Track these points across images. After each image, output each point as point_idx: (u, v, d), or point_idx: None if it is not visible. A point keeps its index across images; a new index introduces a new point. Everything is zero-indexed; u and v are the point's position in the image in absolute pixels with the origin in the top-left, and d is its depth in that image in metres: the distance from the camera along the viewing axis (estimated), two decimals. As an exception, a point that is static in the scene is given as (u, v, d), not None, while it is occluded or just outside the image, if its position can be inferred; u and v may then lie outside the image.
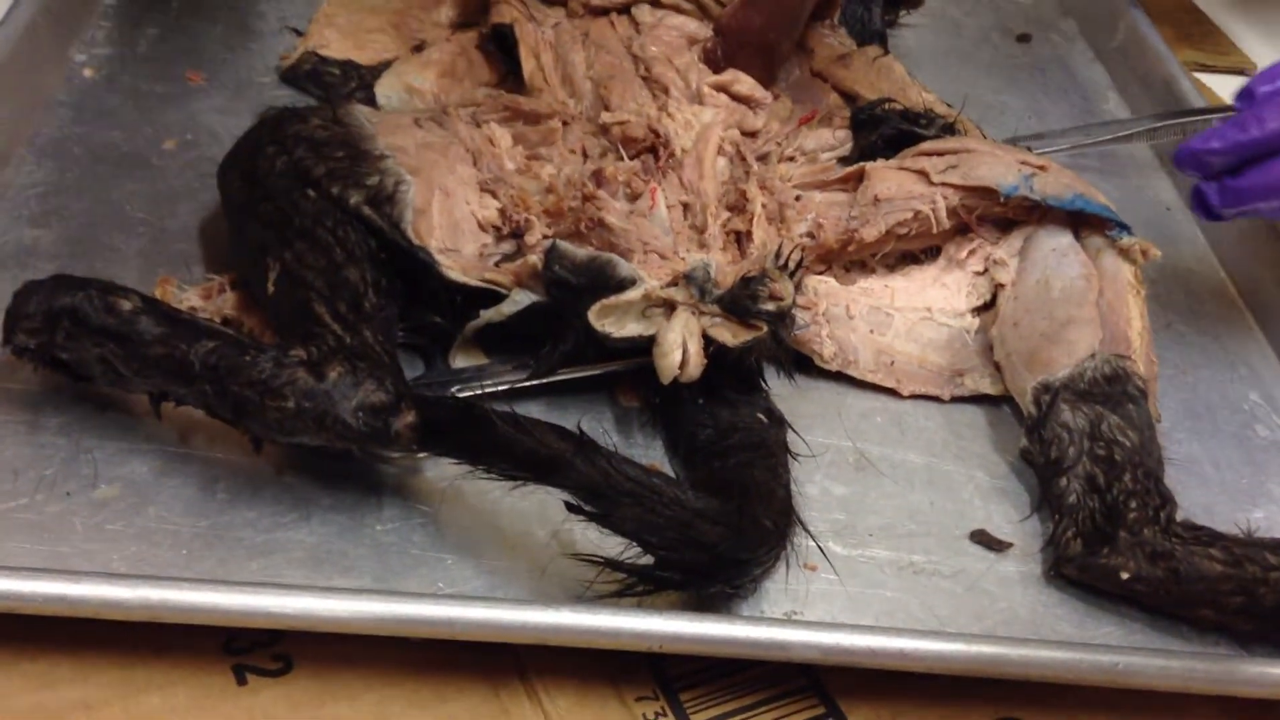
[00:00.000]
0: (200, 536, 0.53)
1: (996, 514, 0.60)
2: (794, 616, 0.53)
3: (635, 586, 0.50)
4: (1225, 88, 0.93)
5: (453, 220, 0.62)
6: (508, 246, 0.64)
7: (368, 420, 0.51)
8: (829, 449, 0.62)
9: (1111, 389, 0.61)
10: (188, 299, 0.62)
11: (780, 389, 0.63)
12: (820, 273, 0.69)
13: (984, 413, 0.66)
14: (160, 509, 0.54)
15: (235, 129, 0.75)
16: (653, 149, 0.69)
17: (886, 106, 0.74)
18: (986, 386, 0.66)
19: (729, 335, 0.58)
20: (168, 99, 0.77)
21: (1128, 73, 0.93)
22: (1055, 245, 0.67)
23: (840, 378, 0.66)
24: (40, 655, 0.49)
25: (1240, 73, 0.98)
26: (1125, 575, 0.55)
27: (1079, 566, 0.56)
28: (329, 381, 0.51)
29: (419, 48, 0.82)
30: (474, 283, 0.60)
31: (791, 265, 0.61)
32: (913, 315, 0.68)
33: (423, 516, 0.55)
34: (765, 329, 0.58)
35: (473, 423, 0.52)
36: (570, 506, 0.50)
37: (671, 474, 0.59)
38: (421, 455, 0.55)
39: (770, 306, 0.58)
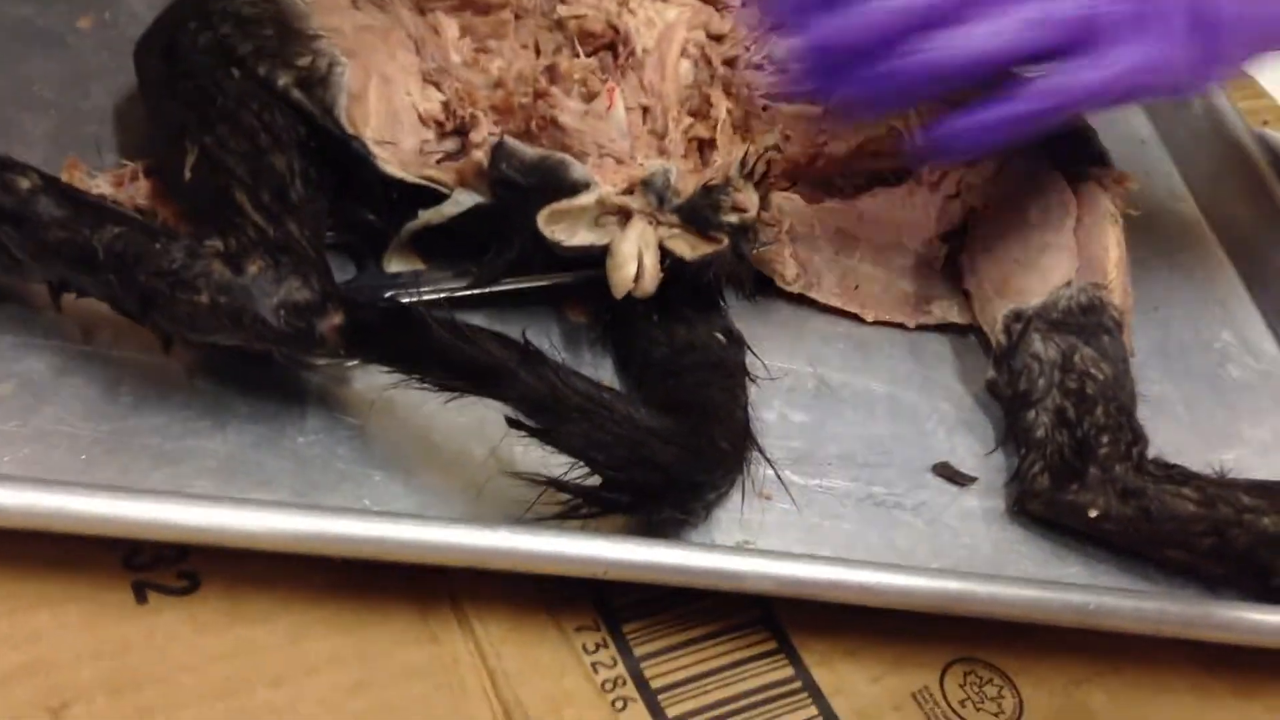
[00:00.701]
0: (101, 441, 0.48)
1: (960, 447, 0.57)
2: (747, 546, 0.49)
3: (579, 508, 0.46)
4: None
5: (391, 109, 0.57)
6: (451, 144, 0.59)
7: (290, 319, 0.46)
8: (788, 373, 0.58)
9: (1086, 319, 0.58)
10: (97, 185, 0.57)
11: (739, 309, 0.59)
12: (785, 189, 0.65)
13: (950, 342, 0.62)
14: (58, 409, 0.49)
15: (157, 7, 0.68)
16: (611, 47, 0.64)
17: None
18: (954, 315, 0.63)
19: (687, 248, 0.54)
20: (84, -26, 0.71)
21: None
22: (1029, 170, 0.64)
23: (802, 300, 0.62)
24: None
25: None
26: (1094, 512, 0.52)
27: (1045, 502, 0.53)
28: (248, 275, 0.46)
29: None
30: (412, 179, 0.56)
31: (757, 175, 0.57)
32: (880, 239, 0.64)
33: (349, 429, 0.51)
34: (726, 242, 0.54)
35: (406, 327, 0.47)
36: (511, 421, 0.46)
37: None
38: (349, 362, 0.51)
39: (733, 218, 0.54)
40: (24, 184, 0.48)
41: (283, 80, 0.54)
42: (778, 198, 0.64)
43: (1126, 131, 0.81)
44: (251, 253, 0.47)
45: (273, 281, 0.47)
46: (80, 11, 0.68)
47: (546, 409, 0.46)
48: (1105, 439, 0.54)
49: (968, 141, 0.53)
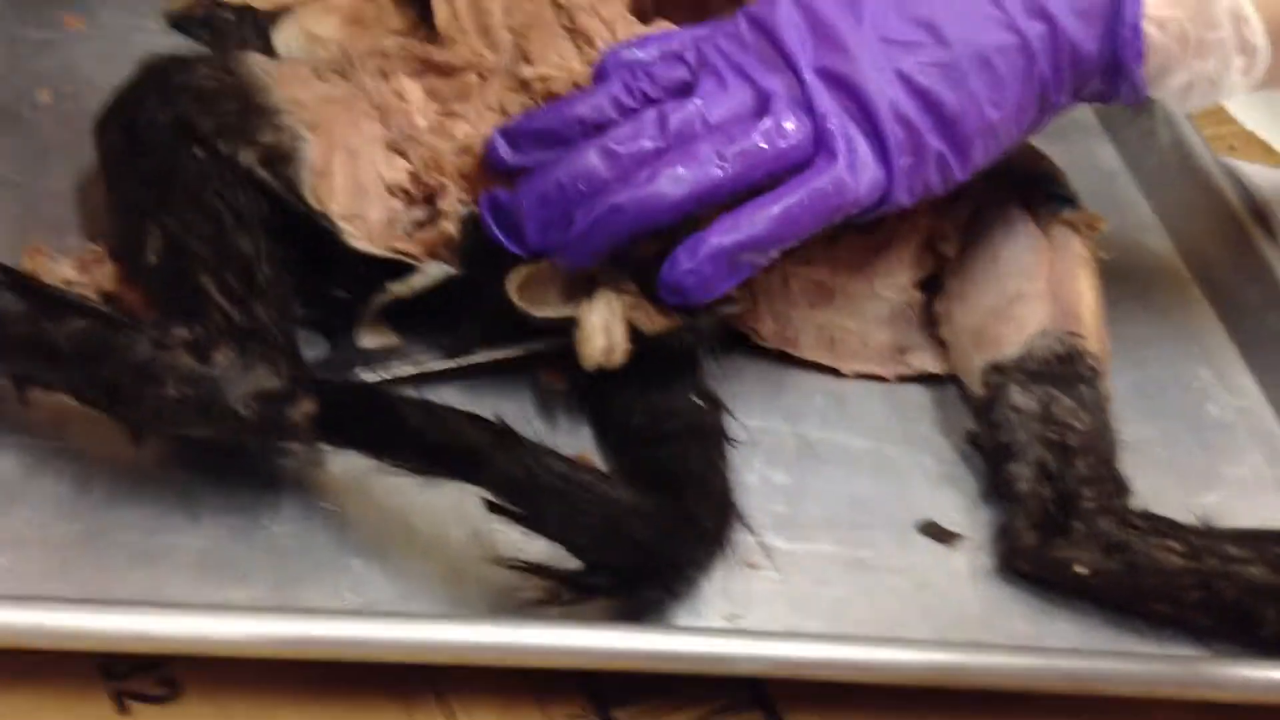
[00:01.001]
0: (75, 542, 0.47)
1: (945, 502, 0.57)
2: (734, 619, 0.49)
3: (562, 594, 0.45)
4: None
5: (357, 183, 0.56)
6: (419, 213, 0.58)
7: (259, 409, 0.45)
8: (768, 433, 0.58)
9: (1063, 369, 0.58)
10: (61, 271, 0.56)
11: (715, 366, 0.58)
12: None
13: (929, 393, 0.62)
14: (30, 510, 0.48)
15: (117, 80, 0.67)
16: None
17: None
18: (931, 365, 0.63)
19: (646, 322, 0.53)
20: (42, 46, 0.70)
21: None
22: (1002, 216, 0.64)
23: (778, 355, 0.62)
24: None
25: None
26: (1080, 568, 0.52)
27: (1032, 560, 0.53)
28: (215, 365, 0.46)
29: (322, -9, 0.76)
30: (381, 253, 0.55)
31: None
32: (854, 290, 0.64)
33: (326, 515, 0.50)
34: (683, 319, 0.53)
35: (378, 411, 0.47)
36: (490, 505, 0.46)
37: (601, 464, 0.54)
38: (323, 448, 0.50)
39: None
40: (-18, 279, 0.47)
41: (245, 158, 0.53)
42: (750, 252, 0.63)
43: (1094, 164, 0.81)
44: (218, 341, 0.46)
45: (241, 370, 0.46)
46: (38, 84, 0.67)
47: (523, 492, 0.45)
48: (1088, 492, 0.54)
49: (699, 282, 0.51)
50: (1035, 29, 0.53)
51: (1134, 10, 0.53)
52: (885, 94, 0.52)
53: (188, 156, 0.53)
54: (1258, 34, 0.54)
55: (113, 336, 0.46)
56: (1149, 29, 0.53)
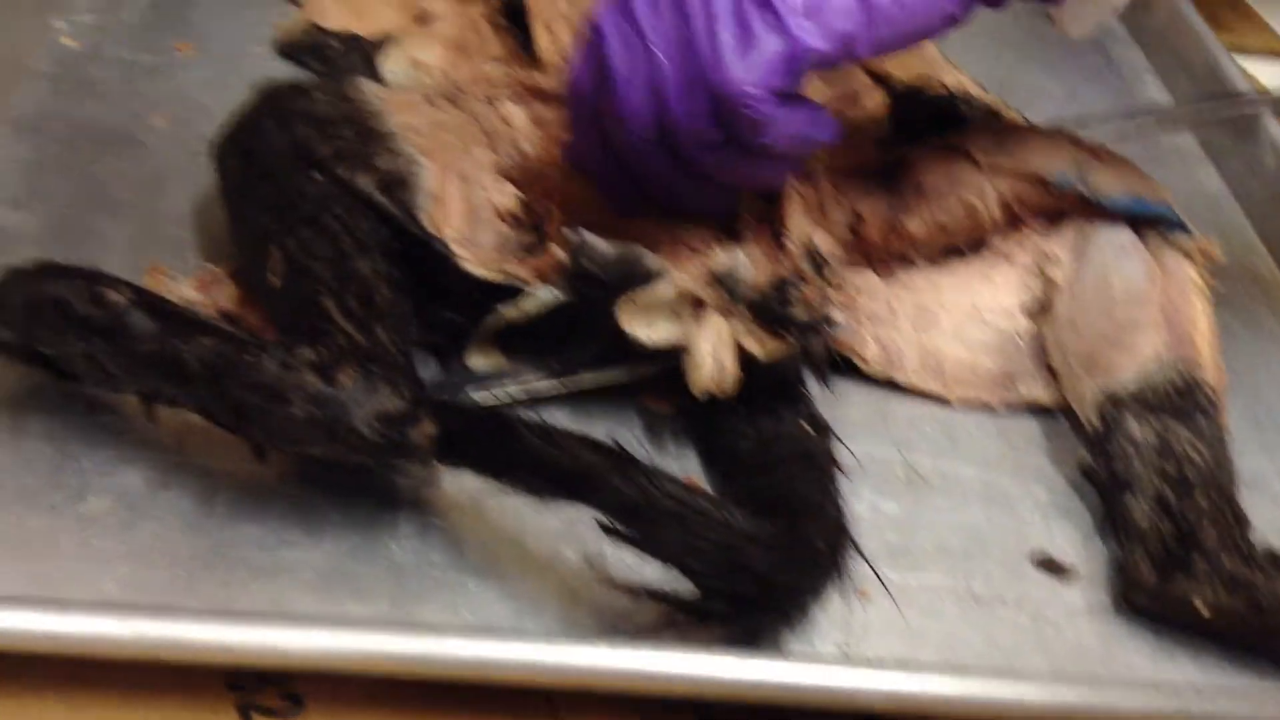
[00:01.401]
0: (199, 556, 0.48)
1: (1058, 534, 0.56)
2: (848, 649, 0.48)
3: (677, 619, 0.45)
4: (1264, 72, 0.89)
5: (470, 208, 0.57)
6: (527, 236, 0.59)
7: (383, 430, 0.46)
8: (876, 460, 0.57)
9: (1181, 400, 0.57)
10: (181, 290, 0.57)
11: (821, 392, 0.58)
12: (861, 266, 0.64)
13: (1038, 423, 0.61)
14: (155, 525, 0.49)
15: (229, 104, 0.69)
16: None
17: (927, 88, 0.70)
18: (1040, 394, 0.62)
19: (759, 346, 0.53)
20: (155, 71, 0.72)
21: (1167, 55, 0.89)
22: (1113, 240, 0.63)
23: (884, 382, 0.61)
24: (25, 692, 0.43)
25: (1278, 55, 0.93)
26: (1201, 606, 0.51)
27: (1151, 595, 0.52)
28: (340, 386, 0.46)
29: (421, 18, 0.77)
30: (493, 277, 0.55)
31: (827, 265, 0.56)
32: (960, 314, 0.63)
33: (442, 533, 0.50)
34: (795, 344, 0.53)
35: (497, 433, 0.47)
36: (605, 527, 0.46)
37: (709, 487, 0.54)
38: (440, 467, 0.50)
39: (802, 315, 0.54)
40: (115, 298, 0.48)
41: (364, 182, 0.54)
42: (853, 276, 0.63)
43: (1197, 189, 0.80)
44: (343, 362, 0.47)
45: (365, 392, 0.46)
46: (152, 109, 0.69)
47: (640, 515, 0.45)
48: (1209, 527, 0.52)
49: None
50: None
51: None
52: None
53: (307, 181, 0.54)
54: None
55: (240, 356, 0.47)
56: None
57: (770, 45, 0.49)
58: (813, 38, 0.50)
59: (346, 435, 0.46)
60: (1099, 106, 0.83)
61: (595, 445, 0.46)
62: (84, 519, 0.48)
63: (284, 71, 0.73)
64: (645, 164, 0.54)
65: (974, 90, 0.73)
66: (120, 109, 0.69)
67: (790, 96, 0.51)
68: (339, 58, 0.74)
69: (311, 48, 0.74)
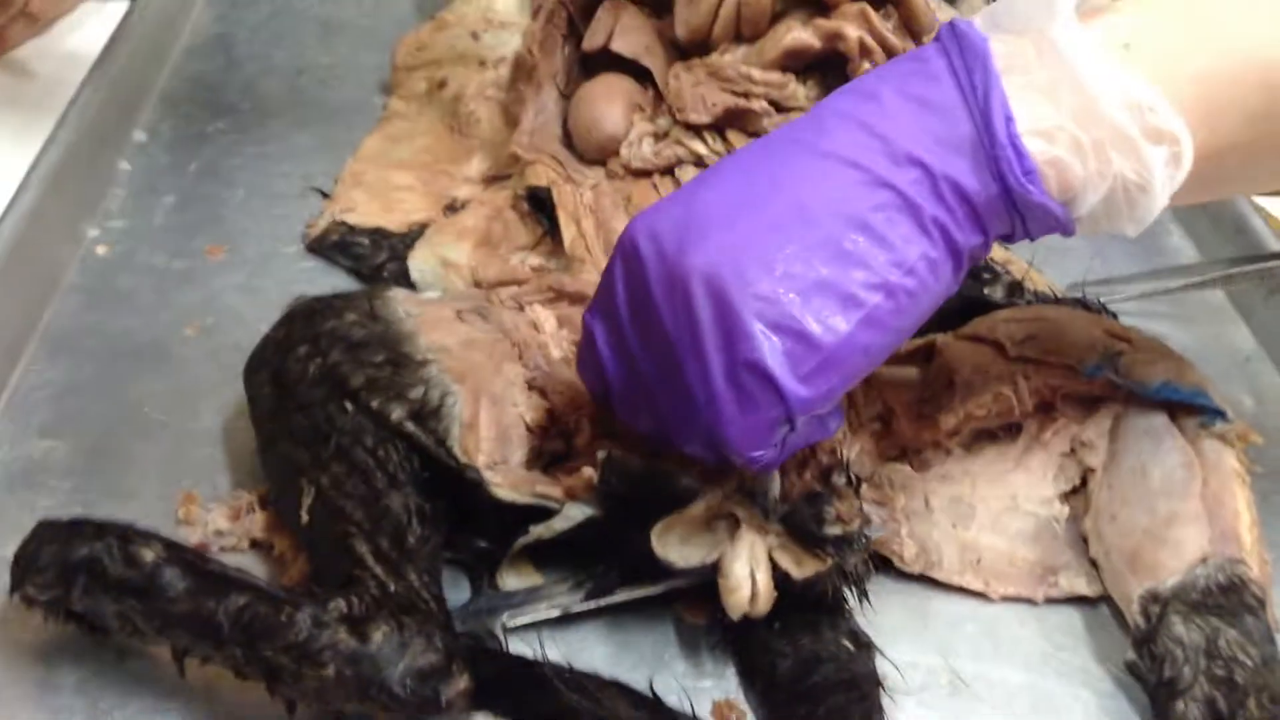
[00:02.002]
0: (232, 815, 0.47)
1: (1107, 743, 0.54)
2: None
3: None
4: (1289, 213, 0.88)
5: (501, 429, 0.57)
6: (556, 445, 0.59)
7: (416, 688, 0.46)
8: (918, 668, 0.56)
9: (1227, 599, 0.56)
10: (213, 520, 0.57)
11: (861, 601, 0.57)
12: (893, 458, 0.64)
13: (1081, 615, 0.60)
14: (187, 781, 0.48)
15: (259, 309, 0.70)
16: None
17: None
18: (1082, 587, 0.61)
19: (793, 564, 0.53)
20: (187, 277, 0.73)
21: (1191, 206, 0.89)
22: (1148, 427, 0.62)
23: (921, 579, 0.60)
24: None
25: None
26: (1261, 821, 0.49)
27: (1209, 810, 0.51)
28: (373, 644, 0.46)
29: (451, 206, 0.78)
30: (525, 500, 0.55)
31: (861, 477, 0.56)
32: (996, 505, 0.62)
33: (476, 780, 0.49)
34: (830, 562, 0.52)
35: (533, 685, 0.47)
36: (644, 781, 0.45)
37: (747, 708, 0.53)
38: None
39: (836, 529, 0.53)
40: (148, 556, 0.48)
41: (396, 414, 0.54)
42: (887, 471, 0.62)
43: (1230, 346, 0.79)
44: (376, 616, 0.47)
45: (398, 647, 0.46)
46: (184, 319, 0.70)
47: (680, 770, 0.45)
48: (1264, 737, 0.51)
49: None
50: (906, 177, 0.47)
51: (1006, 129, 0.47)
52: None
53: (339, 412, 0.55)
54: (1168, 119, 0.47)
55: (274, 615, 0.47)
56: (1034, 144, 0.47)
57: (770, 413, 0.47)
58: (813, 397, 0.48)
59: (379, 694, 0.46)
60: (1125, 261, 0.83)
61: (632, 697, 0.46)
62: (119, 776, 0.48)
63: (315, 269, 0.74)
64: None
65: (998, 254, 0.73)
66: (153, 321, 0.70)
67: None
68: (368, 254, 0.75)
69: (340, 245, 0.75)
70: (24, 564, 0.49)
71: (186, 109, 0.87)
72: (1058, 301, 0.70)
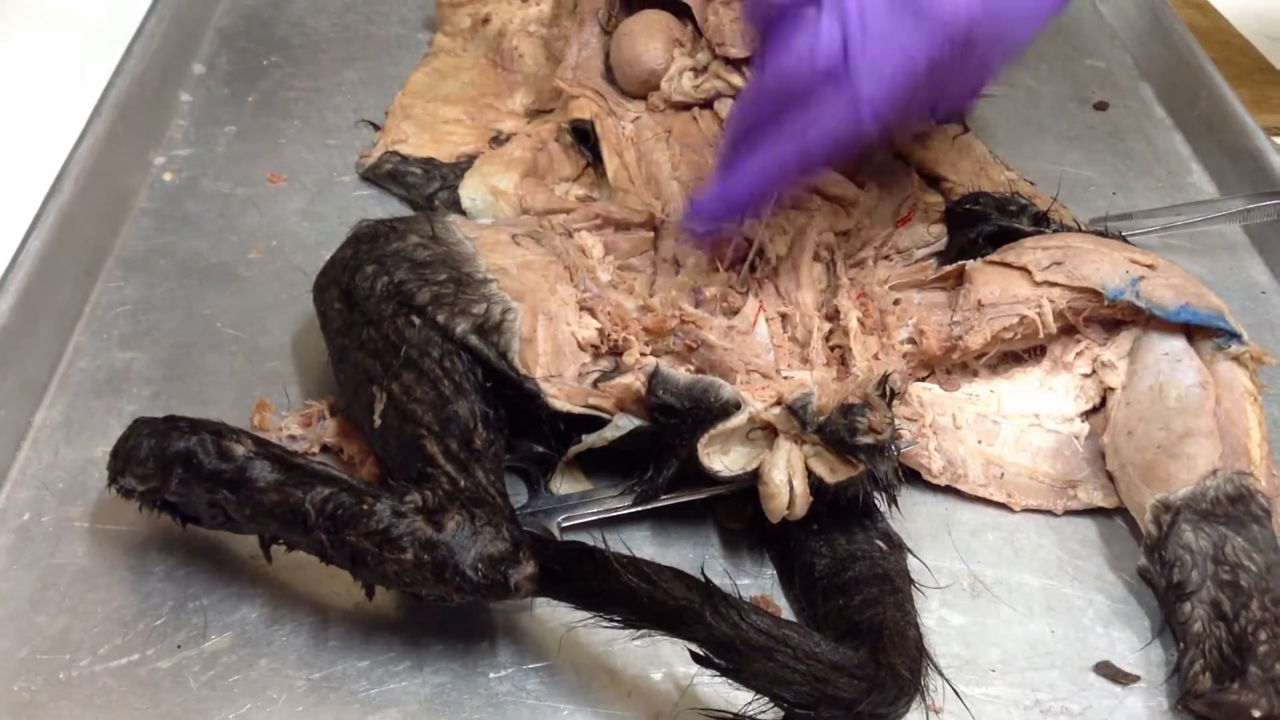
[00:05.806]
0: (314, 690, 0.52)
1: (1119, 641, 0.58)
2: (925, 766, 0.51)
3: (766, 744, 0.48)
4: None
5: (557, 345, 0.60)
6: (606, 363, 0.63)
7: (487, 572, 0.50)
8: (943, 572, 0.60)
9: (1235, 509, 0.59)
10: (286, 426, 0.61)
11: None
12: (923, 378, 0.67)
13: (1097, 526, 0.64)
14: (272, 660, 0.53)
15: (320, 233, 0.74)
16: (745, 255, 0.68)
17: (981, 199, 0.73)
18: (1099, 500, 0.64)
19: (827, 470, 0.56)
20: (250, 202, 0.76)
21: (1211, 144, 0.91)
22: (1167, 349, 0.66)
23: (947, 491, 0.64)
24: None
25: (1322, 138, 0.95)
26: (1257, 714, 0.53)
27: (1208, 702, 0.54)
28: (447, 531, 0.50)
29: (496, 139, 0.82)
30: (578, 410, 0.59)
31: (892, 390, 0.59)
32: (1020, 422, 0.66)
33: (537, 660, 0.54)
34: (862, 467, 0.56)
35: (594, 570, 0.50)
36: (697, 658, 0.49)
37: (784, 603, 0.57)
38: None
39: (869, 439, 0.56)
40: (240, 451, 0.52)
41: (460, 328, 0.58)
42: (917, 389, 0.66)
43: (1247, 279, 0.82)
44: (448, 507, 0.51)
45: (470, 535, 0.50)
46: (249, 241, 0.74)
47: (732, 649, 0.48)
48: (1263, 635, 0.55)
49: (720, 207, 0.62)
50: None
51: None
52: None
53: (407, 325, 0.58)
54: None
55: (356, 504, 0.50)
56: None
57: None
58: None
59: (453, 578, 0.49)
60: (1146, 197, 0.86)
61: (687, 581, 0.49)
62: (207, 657, 0.52)
63: (370, 197, 0.78)
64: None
65: (1024, 188, 0.76)
66: (220, 243, 0.73)
67: None
68: (421, 183, 0.78)
69: (394, 174, 0.79)
70: (123, 457, 0.53)
71: (242, 43, 0.90)
72: (1081, 232, 0.73)
